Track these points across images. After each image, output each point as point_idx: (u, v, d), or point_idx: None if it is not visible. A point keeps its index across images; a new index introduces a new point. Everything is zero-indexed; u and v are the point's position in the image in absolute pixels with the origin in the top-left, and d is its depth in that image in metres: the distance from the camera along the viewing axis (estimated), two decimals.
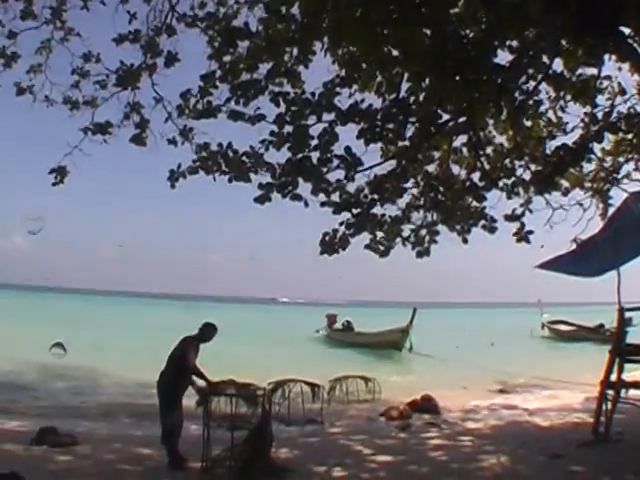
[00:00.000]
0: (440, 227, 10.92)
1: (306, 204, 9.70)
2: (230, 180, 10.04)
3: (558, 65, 9.50)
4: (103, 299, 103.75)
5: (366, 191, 10.10)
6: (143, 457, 9.95)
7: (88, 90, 11.07)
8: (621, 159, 11.64)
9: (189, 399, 9.98)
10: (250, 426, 9.37)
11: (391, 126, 9.39)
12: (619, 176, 11.80)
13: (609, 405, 10.83)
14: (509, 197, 10.61)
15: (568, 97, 10.28)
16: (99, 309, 66.87)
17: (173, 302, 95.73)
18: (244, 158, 9.81)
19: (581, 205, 11.92)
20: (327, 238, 10.36)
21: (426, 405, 15.61)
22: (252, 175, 9.88)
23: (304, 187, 9.62)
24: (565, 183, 11.55)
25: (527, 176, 10.56)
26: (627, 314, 11.77)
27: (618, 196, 11.62)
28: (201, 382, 9.61)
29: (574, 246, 11.73)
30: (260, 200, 9.62)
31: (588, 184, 11.91)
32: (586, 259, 11.14)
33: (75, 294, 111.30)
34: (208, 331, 9.92)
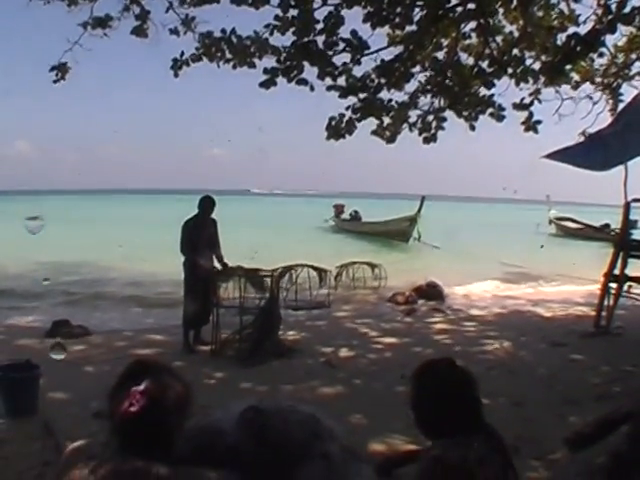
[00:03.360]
0: (448, 114, 10.80)
1: (312, 88, 9.56)
2: (234, 67, 9.89)
3: None
4: (106, 197, 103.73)
5: (373, 76, 9.93)
6: (155, 343, 10.22)
7: None
8: (633, 56, 11.41)
9: None
10: (258, 310, 9.56)
11: (398, 10, 9.16)
12: (631, 73, 11.60)
13: (611, 299, 11.00)
14: (517, 84, 10.43)
15: None
16: (103, 207, 66.79)
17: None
18: (248, 43, 9.62)
19: (591, 98, 11.75)
20: (333, 123, 10.25)
21: (431, 292, 15.87)
22: (256, 61, 9.73)
23: (310, 71, 9.47)
24: (575, 76, 11.37)
25: (537, 66, 10.37)
26: (633, 217, 11.78)
27: (628, 93, 11.47)
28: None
29: (582, 139, 11.64)
30: (265, 84, 9.47)
31: (599, 79, 11.72)
32: (594, 152, 11.07)
33: (79, 194, 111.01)
34: (206, 204, 10.01)
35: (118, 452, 2.12)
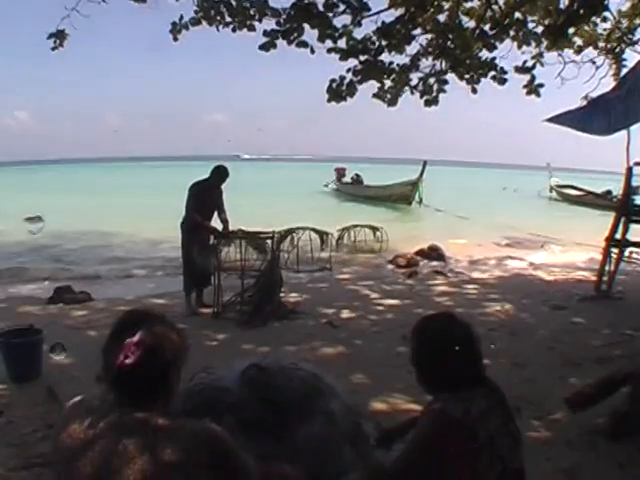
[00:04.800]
0: (449, 77, 10.73)
1: (312, 51, 9.50)
2: (234, 30, 9.81)
3: None
4: (108, 166, 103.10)
5: (374, 38, 9.86)
6: (157, 307, 10.05)
7: None
8: (637, 21, 11.31)
9: None
10: (259, 273, 9.57)
11: None
12: (634, 38, 11.51)
13: (612, 263, 11.02)
14: (520, 47, 10.36)
15: None
16: (105, 176, 66.27)
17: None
18: (247, 5, 9.53)
19: (594, 63, 11.67)
20: (334, 85, 10.20)
21: (433, 254, 15.91)
22: (256, 24, 9.64)
23: (310, 34, 9.39)
24: (578, 41, 11.29)
25: (539, 30, 10.28)
26: (635, 183, 11.74)
27: (632, 58, 11.38)
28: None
29: (585, 103, 11.58)
30: (265, 47, 9.41)
31: (602, 44, 11.62)
32: (596, 116, 11.01)
33: (82, 164, 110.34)
34: (220, 174, 9.95)
35: (116, 405, 2.12)
